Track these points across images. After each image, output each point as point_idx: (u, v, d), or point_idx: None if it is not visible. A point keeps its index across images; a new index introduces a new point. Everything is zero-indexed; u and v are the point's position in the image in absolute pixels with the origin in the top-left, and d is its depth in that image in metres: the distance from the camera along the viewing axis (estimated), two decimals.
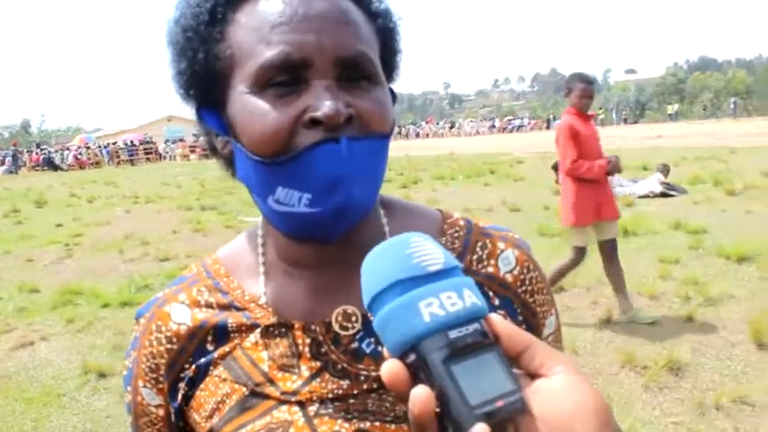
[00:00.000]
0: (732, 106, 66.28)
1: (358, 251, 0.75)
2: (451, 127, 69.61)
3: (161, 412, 0.94)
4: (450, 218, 0.99)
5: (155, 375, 0.92)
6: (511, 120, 75.14)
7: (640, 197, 12.05)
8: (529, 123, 70.40)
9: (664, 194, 12.12)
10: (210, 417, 0.87)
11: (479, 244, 0.95)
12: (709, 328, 5.37)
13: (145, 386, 0.94)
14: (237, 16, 0.82)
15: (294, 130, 0.77)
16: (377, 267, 0.60)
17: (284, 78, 0.78)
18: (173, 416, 0.92)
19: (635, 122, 74.75)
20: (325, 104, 0.75)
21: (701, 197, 11.61)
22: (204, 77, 0.84)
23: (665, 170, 13.00)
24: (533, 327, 0.95)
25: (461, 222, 0.98)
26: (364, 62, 0.80)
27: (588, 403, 0.53)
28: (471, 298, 0.57)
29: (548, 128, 67.90)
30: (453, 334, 0.54)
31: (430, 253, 0.59)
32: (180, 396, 0.91)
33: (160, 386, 0.92)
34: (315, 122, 0.76)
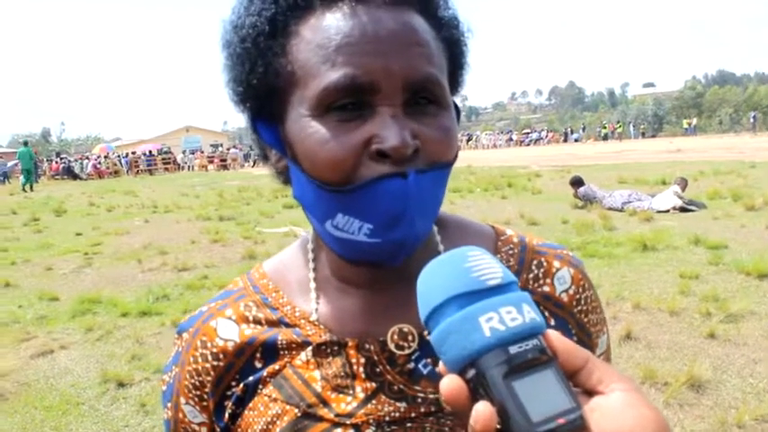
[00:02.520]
0: (752, 120, 65.75)
1: (413, 271, 0.72)
2: (469, 140, 69.43)
3: (204, 430, 0.91)
4: (503, 235, 0.97)
5: (199, 393, 0.89)
6: (528, 133, 74.97)
7: (659, 212, 11.96)
8: (546, 136, 70.21)
9: (683, 209, 12.03)
10: None
11: (535, 262, 0.93)
12: (730, 345, 5.31)
13: (187, 403, 0.91)
14: (300, 29, 0.77)
15: (358, 160, 0.73)
16: (435, 281, 0.59)
17: (348, 102, 0.74)
18: None
19: (653, 136, 74.37)
20: (392, 136, 0.71)
21: (720, 212, 11.49)
22: (262, 91, 0.80)
23: (682, 183, 12.92)
24: (587, 347, 0.92)
25: (515, 240, 0.96)
26: (433, 86, 0.76)
27: (647, 422, 0.52)
28: (530, 313, 0.56)
29: (565, 141, 67.75)
30: (513, 350, 0.54)
31: (488, 267, 0.59)
32: (227, 415, 0.88)
33: (204, 404, 0.89)
34: (381, 155, 0.72)
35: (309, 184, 0.78)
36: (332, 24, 0.75)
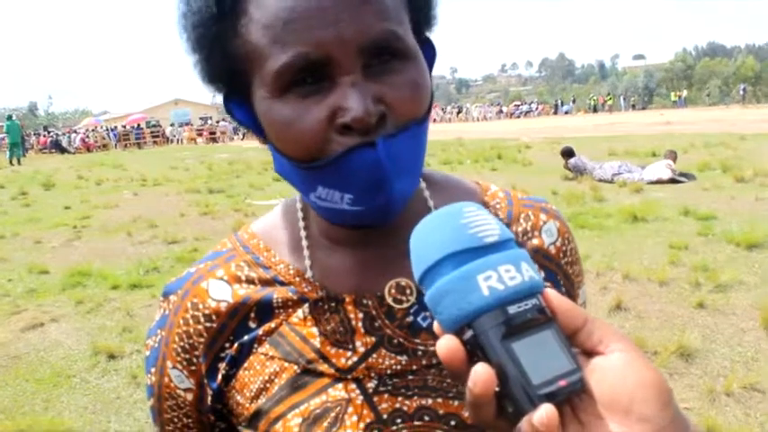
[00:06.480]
0: (742, 92, 65.86)
1: (404, 226, 0.73)
2: (459, 112, 69.27)
3: (190, 396, 0.89)
4: (489, 189, 0.97)
5: (188, 356, 0.88)
6: (519, 105, 74.82)
7: (650, 183, 11.99)
8: (537, 109, 70.11)
9: (673, 181, 12.06)
10: (257, 397, 0.83)
11: (523, 215, 0.93)
12: (719, 315, 5.35)
13: (174, 367, 0.89)
14: (248, 7, 0.74)
15: (326, 136, 0.72)
16: (430, 238, 0.57)
17: (306, 78, 0.72)
18: (209, 398, 0.88)
19: (643, 108, 74.41)
20: (353, 107, 0.69)
21: (709, 184, 11.53)
22: (224, 74, 0.79)
23: (672, 155, 12.95)
24: (572, 297, 0.94)
25: (501, 194, 0.96)
26: (391, 41, 0.72)
27: (648, 382, 0.51)
28: (529, 272, 0.54)
29: (555, 113, 67.69)
30: (512, 310, 0.52)
31: (485, 223, 0.56)
32: (220, 377, 0.86)
33: (193, 368, 0.88)
34: (346, 127, 0.71)
35: (285, 161, 0.78)
36: (274, 1, 0.72)
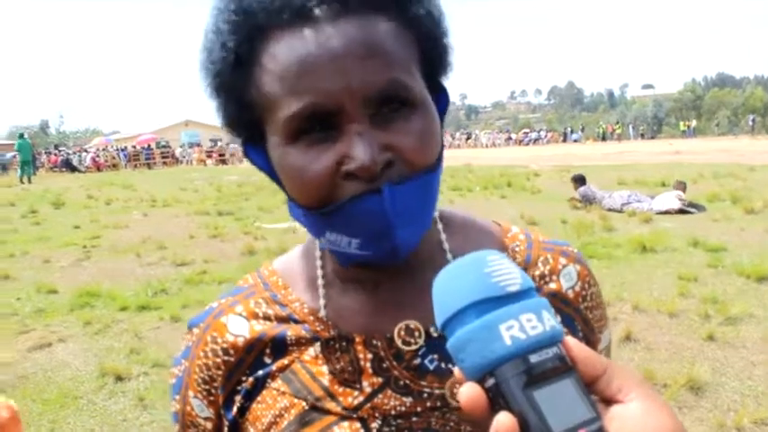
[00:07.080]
0: (751, 123, 65.90)
1: (417, 267, 0.81)
2: (468, 138, 69.53)
3: (209, 425, 0.93)
4: (509, 231, 0.98)
5: (207, 387, 0.91)
6: (528, 132, 74.92)
7: (659, 213, 11.97)
8: (546, 136, 70.20)
9: (682, 211, 12.04)
10: (267, 430, 0.86)
11: (541, 259, 0.94)
12: (729, 348, 5.32)
13: (195, 397, 0.93)
14: (262, 57, 0.77)
15: (333, 182, 0.75)
16: (453, 286, 0.58)
17: (315, 125, 0.75)
18: (226, 429, 0.91)
19: (652, 138, 74.39)
20: (359, 155, 0.72)
21: (719, 215, 11.50)
22: (241, 120, 0.83)
23: (680, 186, 12.95)
24: (590, 342, 0.94)
25: (521, 236, 0.97)
26: (399, 91, 0.75)
27: (666, 430, 0.52)
28: (550, 321, 0.55)
29: (564, 141, 67.69)
30: (534, 359, 0.53)
31: (508, 272, 0.58)
32: (235, 408, 0.90)
33: (212, 398, 0.91)
34: (351, 175, 0.74)
35: (296, 206, 0.82)
36: (285, 53, 0.75)
